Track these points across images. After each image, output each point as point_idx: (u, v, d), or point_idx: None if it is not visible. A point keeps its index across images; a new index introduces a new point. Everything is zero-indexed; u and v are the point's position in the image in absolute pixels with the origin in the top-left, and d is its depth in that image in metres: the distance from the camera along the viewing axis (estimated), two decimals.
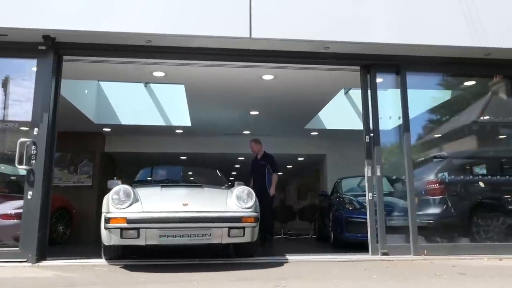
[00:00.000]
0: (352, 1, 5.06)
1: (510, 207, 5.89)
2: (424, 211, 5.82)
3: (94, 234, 8.81)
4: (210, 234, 3.96)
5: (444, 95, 6.80)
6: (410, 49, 5.16)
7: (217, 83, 6.82)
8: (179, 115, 9.06)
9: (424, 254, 4.94)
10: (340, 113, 9.38)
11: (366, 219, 5.28)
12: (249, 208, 4.25)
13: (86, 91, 8.27)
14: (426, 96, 6.53)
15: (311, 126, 9.91)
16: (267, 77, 6.57)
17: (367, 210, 5.16)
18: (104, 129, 9.84)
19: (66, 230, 7.85)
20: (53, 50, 4.87)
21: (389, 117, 5.64)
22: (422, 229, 5.28)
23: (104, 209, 4.18)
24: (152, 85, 8.50)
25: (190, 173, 6.42)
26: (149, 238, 3.86)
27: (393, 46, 5.09)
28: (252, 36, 4.79)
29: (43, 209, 4.58)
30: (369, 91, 5.39)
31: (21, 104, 5.20)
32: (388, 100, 5.64)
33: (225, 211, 4.13)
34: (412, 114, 5.46)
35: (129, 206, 4.02)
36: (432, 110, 6.72)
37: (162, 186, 4.95)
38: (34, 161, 4.63)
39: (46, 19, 4.60)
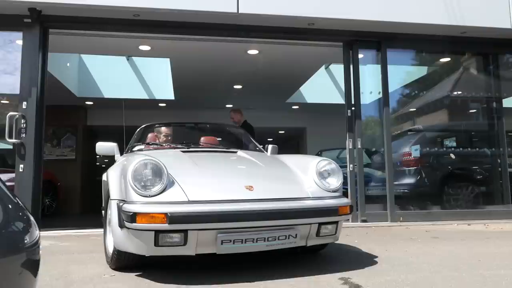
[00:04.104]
0: None
1: (478, 177, 6.33)
2: (400, 181, 6.18)
3: (80, 207, 8.93)
4: (296, 234, 2.55)
5: (421, 71, 7.10)
6: (391, 26, 5.37)
7: (202, 57, 6.89)
8: (163, 89, 9.10)
9: (400, 221, 5.31)
10: (321, 88, 9.60)
11: (346, 189, 5.60)
12: (336, 190, 2.88)
13: (68, 64, 8.19)
14: (404, 71, 6.80)
15: (293, 100, 10.13)
16: (252, 51, 6.70)
17: (348, 181, 5.46)
18: (86, 103, 9.79)
19: (52, 202, 7.93)
20: (39, 23, 4.87)
21: (369, 92, 5.89)
22: (398, 198, 5.64)
23: (115, 194, 2.66)
24: (134, 58, 8.47)
25: (204, 131, 4.57)
26: (202, 244, 2.42)
27: (375, 23, 5.29)
28: (240, 11, 4.88)
29: (35, 181, 4.68)
30: (351, 67, 5.60)
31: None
32: (368, 75, 5.86)
33: (311, 198, 2.71)
34: (391, 88, 5.74)
35: (162, 191, 2.47)
36: (409, 85, 7.01)
37: (185, 152, 3.36)
38: (24, 135, 4.69)
39: None
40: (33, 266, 0.89)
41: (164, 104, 10.17)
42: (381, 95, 5.66)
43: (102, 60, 8.59)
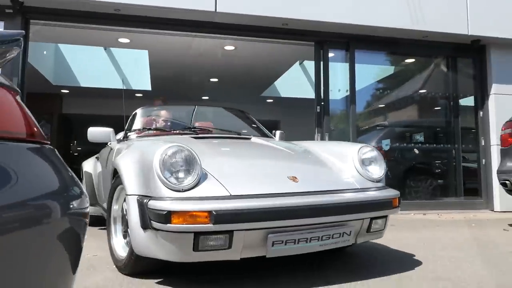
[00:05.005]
0: None
1: (436, 171, 6.84)
2: None
3: None
4: (350, 231, 2.31)
5: (388, 71, 7.53)
6: (358, 28, 5.72)
7: (180, 50, 7.10)
8: (140, 79, 9.23)
9: None
10: (294, 82, 9.94)
11: None
12: (379, 180, 2.59)
13: (44, 52, 8.22)
14: (371, 71, 7.20)
15: (267, 94, 10.44)
16: (229, 47, 6.95)
17: None
18: (62, 91, 9.81)
19: None
20: (21, 14, 4.98)
21: (338, 89, 6.25)
22: None
23: (133, 188, 2.21)
24: (112, 48, 8.56)
25: (205, 115, 4.13)
26: (249, 247, 2.10)
27: (343, 25, 5.62)
28: (217, 10, 5.13)
29: None
30: (321, 65, 5.95)
31: None
32: (339, 73, 6.23)
33: (359, 189, 2.45)
34: (360, 86, 6.12)
35: (196, 185, 2.10)
36: (376, 84, 7.43)
37: (197, 139, 2.95)
38: None
39: None
40: (80, 234, 0.94)
41: (140, 95, 10.29)
42: (348, 93, 6.04)
43: (79, 49, 8.62)
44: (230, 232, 1.99)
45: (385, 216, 2.50)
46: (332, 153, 2.78)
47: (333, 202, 2.23)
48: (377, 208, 2.39)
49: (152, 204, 2.01)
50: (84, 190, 0.99)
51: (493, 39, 6.14)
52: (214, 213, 1.91)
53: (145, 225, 2.06)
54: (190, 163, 2.12)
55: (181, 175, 2.09)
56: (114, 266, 2.50)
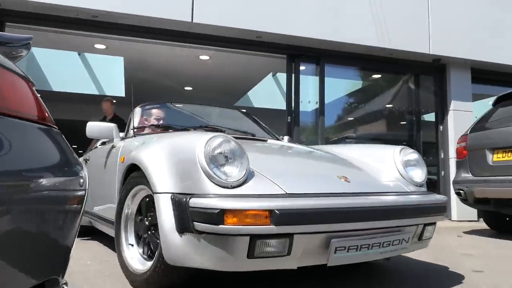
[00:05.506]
0: None
1: None
2: None
3: None
4: (408, 238, 2.10)
5: (357, 85, 7.87)
6: (328, 44, 6.01)
7: (156, 58, 7.22)
8: (113, 85, 9.22)
9: None
10: (267, 93, 10.16)
11: None
12: (422, 184, 2.42)
13: None
14: (341, 84, 7.52)
15: (240, 104, 10.63)
16: (204, 57, 7.12)
17: None
18: None
19: None
20: None
21: (308, 101, 6.51)
22: None
23: (166, 185, 1.87)
24: (86, 54, 8.55)
25: (211, 116, 3.87)
26: (308, 253, 1.82)
27: (315, 40, 5.90)
28: (194, 21, 5.29)
29: None
30: (293, 77, 6.19)
31: None
32: (310, 86, 6.48)
33: (408, 192, 2.26)
34: (329, 99, 6.39)
35: (245, 181, 1.82)
36: (346, 97, 7.75)
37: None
38: None
39: None
40: (75, 214, 1.02)
41: (114, 101, 10.26)
42: (318, 105, 6.30)
43: (52, 53, 8.57)
44: (291, 236, 1.70)
45: (434, 223, 2.30)
46: (367, 154, 2.58)
47: (394, 205, 2.03)
48: (432, 213, 2.21)
49: (197, 202, 1.69)
50: (85, 170, 1.11)
51: (452, 59, 6.58)
52: (277, 212, 1.62)
53: (184, 228, 1.73)
54: (238, 155, 1.84)
55: (228, 169, 1.79)
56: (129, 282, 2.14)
